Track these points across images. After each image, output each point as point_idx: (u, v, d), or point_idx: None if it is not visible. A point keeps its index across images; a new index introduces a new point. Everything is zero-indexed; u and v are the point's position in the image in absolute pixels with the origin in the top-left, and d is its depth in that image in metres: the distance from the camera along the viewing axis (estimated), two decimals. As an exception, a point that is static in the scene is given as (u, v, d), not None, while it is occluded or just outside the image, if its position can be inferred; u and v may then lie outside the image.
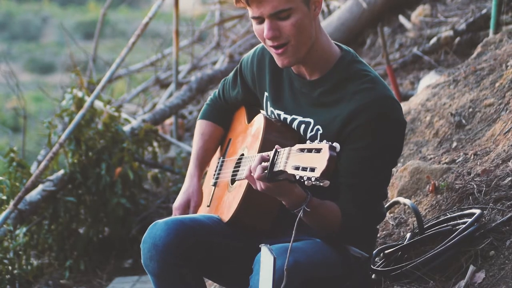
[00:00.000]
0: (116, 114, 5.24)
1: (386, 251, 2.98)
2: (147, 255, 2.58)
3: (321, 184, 2.15)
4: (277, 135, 2.64)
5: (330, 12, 7.34)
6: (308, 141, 2.26)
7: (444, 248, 2.75)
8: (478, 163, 3.34)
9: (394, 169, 3.56)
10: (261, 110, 2.82)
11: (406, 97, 5.21)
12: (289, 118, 2.66)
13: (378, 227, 2.73)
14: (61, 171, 5.02)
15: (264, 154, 2.38)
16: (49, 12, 21.70)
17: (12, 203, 4.55)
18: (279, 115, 2.69)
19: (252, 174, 2.37)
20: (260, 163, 2.34)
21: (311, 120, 2.58)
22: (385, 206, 3.25)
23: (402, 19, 6.66)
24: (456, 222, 2.91)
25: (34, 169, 5.40)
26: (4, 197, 4.71)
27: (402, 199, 3.25)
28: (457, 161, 3.52)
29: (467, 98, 4.00)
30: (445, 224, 2.94)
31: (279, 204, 2.51)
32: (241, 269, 2.60)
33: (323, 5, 7.07)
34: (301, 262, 2.43)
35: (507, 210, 2.84)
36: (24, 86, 10.57)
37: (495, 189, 3.02)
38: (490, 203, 2.94)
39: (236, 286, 2.67)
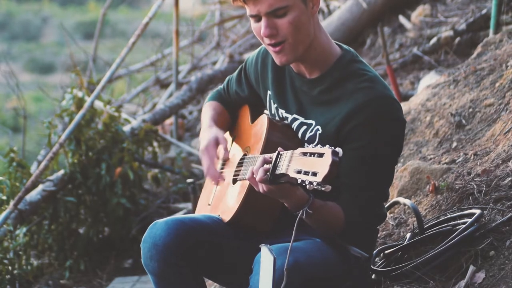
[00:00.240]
0: (116, 114, 5.24)
1: (386, 251, 2.98)
2: (147, 254, 2.58)
3: (323, 188, 2.16)
4: (280, 136, 2.64)
5: (330, 12, 7.33)
6: (306, 144, 2.25)
7: (444, 248, 2.75)
8: (478, 163, 3.34)
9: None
10: (264, 111, 2.82)
11: (406, 97, 5.21)
12: (290, 117, 2.66)
13: (378, 227, 2.73)
14: (61, 171, 5.03)
15: (267, 156, 2.38)
16: (49, 12, 21.71)
17: (12, 203, 4.55)
18: (281, 113, 2.70)
19: (254, 176, 2.37)
20: (262, 165, 2.34)
21: (313, 122, 2.58)
22: (385, 206, 3.24)
23: (402, 19, 6.66)
24: (456, 222, 2.90)
25: (34, 169, 5.39)
26: (4, 197, 4.71)
27: (402, 199, 3.25)
28: (457, 161, 3.52)
29: (467, 98, 4.00)
30: (445, 224, 2.94)
31: (280, 206, 2.51)
32: (241, 269, 2.59)
33: (323, 5, 7.06)
34: (301, 262, 2.43)
35: (507, 210, 2.84)
36: (24, 86, 10.56)
37: (495, 189, 3.01)
38: (490, 203, 2.94)
39: (236, 286, 2.67)
